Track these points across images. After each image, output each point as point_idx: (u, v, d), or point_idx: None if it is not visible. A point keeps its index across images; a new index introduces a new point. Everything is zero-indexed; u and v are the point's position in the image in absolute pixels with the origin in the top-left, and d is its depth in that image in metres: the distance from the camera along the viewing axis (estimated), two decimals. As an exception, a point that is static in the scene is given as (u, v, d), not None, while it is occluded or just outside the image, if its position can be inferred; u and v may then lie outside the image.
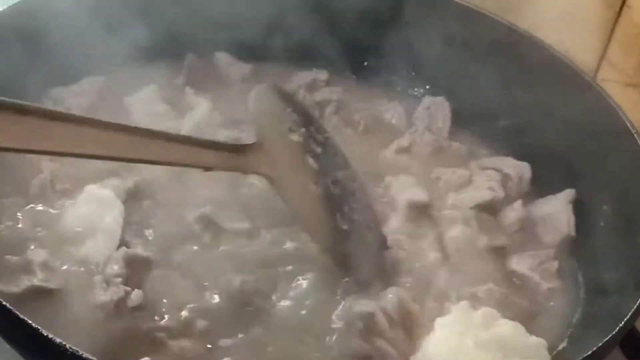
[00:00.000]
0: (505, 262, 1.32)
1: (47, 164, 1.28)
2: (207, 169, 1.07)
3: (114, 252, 1.17)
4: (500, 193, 1.39)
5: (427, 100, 1.56)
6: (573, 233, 1.36)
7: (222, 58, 1.60)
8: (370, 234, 1.26)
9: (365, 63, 1.66)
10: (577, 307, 1.28)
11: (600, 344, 1.05)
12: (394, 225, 1.33)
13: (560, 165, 1.44)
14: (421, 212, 1.35)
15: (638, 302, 1.09)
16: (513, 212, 1.38)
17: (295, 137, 1.20)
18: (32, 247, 1.17)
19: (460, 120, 1.56)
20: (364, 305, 1.15)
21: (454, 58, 1.59)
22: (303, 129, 1.21)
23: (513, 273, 1.31)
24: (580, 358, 1.03)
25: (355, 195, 1.27)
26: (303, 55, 1.59)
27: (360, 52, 1.64)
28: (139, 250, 1.18)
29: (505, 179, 1.43)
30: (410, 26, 1.60)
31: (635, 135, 1.31)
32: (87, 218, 1.21)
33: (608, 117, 1.37)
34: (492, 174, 1.43)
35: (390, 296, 1.17)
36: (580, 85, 1.44)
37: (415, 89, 1.65)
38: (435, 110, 1.54)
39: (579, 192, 1.40)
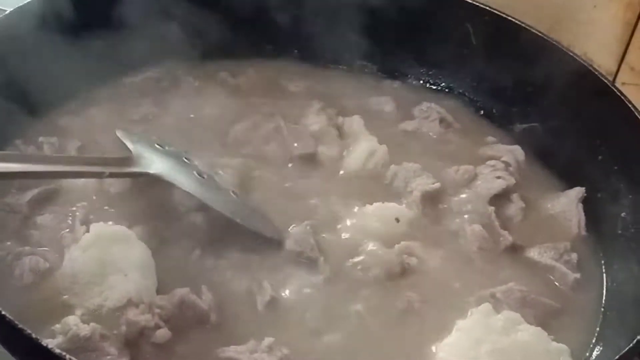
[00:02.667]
0: (523, 258, 1.31)
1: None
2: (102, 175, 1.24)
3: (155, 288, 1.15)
4: (510, 180, 1.40)
5: (425, 104, 1.57)
6: (583, 232, 1.37)
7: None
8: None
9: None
10: (601, 305, 1.27)
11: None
12: (408, 221, 1.32)
13: (575, 165, 1.44)
14: (435, 206, 1.35)
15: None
16: (513, 204, 1.38)
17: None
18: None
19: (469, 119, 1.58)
20: None
21: (469, 58, 1.59)
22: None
23: (536, 265, 1.30)
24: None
25: None
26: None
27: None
28: (200, 301, 1.15)
29: (506, 166, 1.44)
30: (425, 27, 1.60)
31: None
32: (105, 259, 1.15)
33: (624, 119, 1.36)
34: (496, 163, 1.43)
35: None
36: (598, 88, 1.42)
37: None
38: (431, 111, 1.55)
39: (597, 191, 1.39)
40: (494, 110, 1.59)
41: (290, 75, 1.60)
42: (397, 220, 1.30)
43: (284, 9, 1.57)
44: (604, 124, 1.42)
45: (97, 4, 1.45)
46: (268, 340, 1.10)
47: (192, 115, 1.48)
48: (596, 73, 1.45)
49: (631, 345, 1.05)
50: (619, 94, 1.39)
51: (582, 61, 1.48)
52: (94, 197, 1.30)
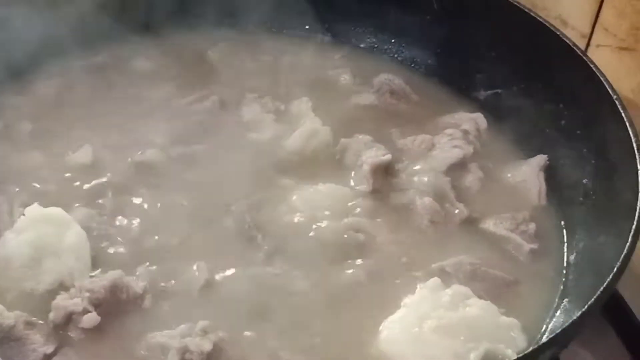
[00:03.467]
0: (478, 229, 1.26)
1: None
2: None
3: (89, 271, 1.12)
4: (468, 149, 1.35)
5: (383, 75, 1.50)
6: (544, 202, 1.31)
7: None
8: None
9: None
10: (561, 273, 1.22)
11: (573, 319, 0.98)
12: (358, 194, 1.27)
13: (539, 131, 1.39)
14: (387, 178, 1.30)
15: (611, 277, 1.01)
16: (471, 174, 1.33)
17: None
18: None
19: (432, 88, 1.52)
20: None
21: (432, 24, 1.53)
22: None
23: (491, 236, 1.25)
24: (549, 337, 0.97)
25: None
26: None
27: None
28: (134, 284, 1.11)
29: (465, 134, 1.38)
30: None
31: (616, 100, 1.23)
32: (40, 241, 1.12)
33: (587, 82, 1.30)
34: (454, 132, 1.38)
35: None
36: (561, 50, 1.36)
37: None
38: (390, 81, 1.49)
39: (559, 158, 1.34)
40: (458, 78, 1.52)
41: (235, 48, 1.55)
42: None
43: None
44: (567, 87, 1.36)
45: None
46: (202, 324, 1.06)
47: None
48: (559, 35, 1.38)
49: (590, 303, 1.00)
50: (581, 54, 1.33)
51: (545, 23, 1.41)
52: (34, 181, 1.27)
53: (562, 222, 1.29)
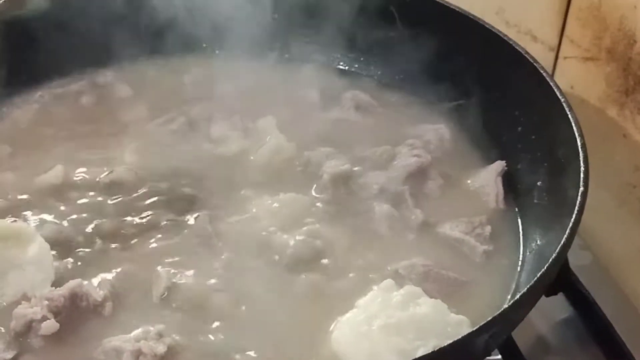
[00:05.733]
0: (435, 233, 1.29)
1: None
2: None
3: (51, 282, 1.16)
4: (427, 157, 1.38)
5: (350, 91, 1.56)
6: (502, 206, 1.34)
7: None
8: None
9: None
10: (514, 272, 1.24)
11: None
12: (318, 203, 1.32)
13: (499, 139, 1.43)
14: (348, 188, 1.34)
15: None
16: (432, 182, 1.36)
17: None
18: None
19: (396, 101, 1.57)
20: None
21: (395, 41, 1.57)
22: None
23: (447, 239, 1.28)
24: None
25: None
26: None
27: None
28: (94, 292, 1.15)
29: (427, 144, 1.42)
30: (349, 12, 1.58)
31: (564, 103, 1.26)
32: (4, 255, 1.15)
33: (538, 87, 1.33)
34: (414, 142, 1.42)
35: None
36: (514, 59, 1.40)
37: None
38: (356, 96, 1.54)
39: (516, 163, 1.37)
40: (423, 92, 1.56)
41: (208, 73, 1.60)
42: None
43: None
44: (522, 95, 1.40)
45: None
46: (158, 327, 1.10)
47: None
48: (512, 44, 1.41)
49: (522, 293, 1.03)
50: (532, 61, 1.37)
51: (499, 34, 1.45)
52: (2, 197, 1.32)
53: (519, 225, 1.31)
